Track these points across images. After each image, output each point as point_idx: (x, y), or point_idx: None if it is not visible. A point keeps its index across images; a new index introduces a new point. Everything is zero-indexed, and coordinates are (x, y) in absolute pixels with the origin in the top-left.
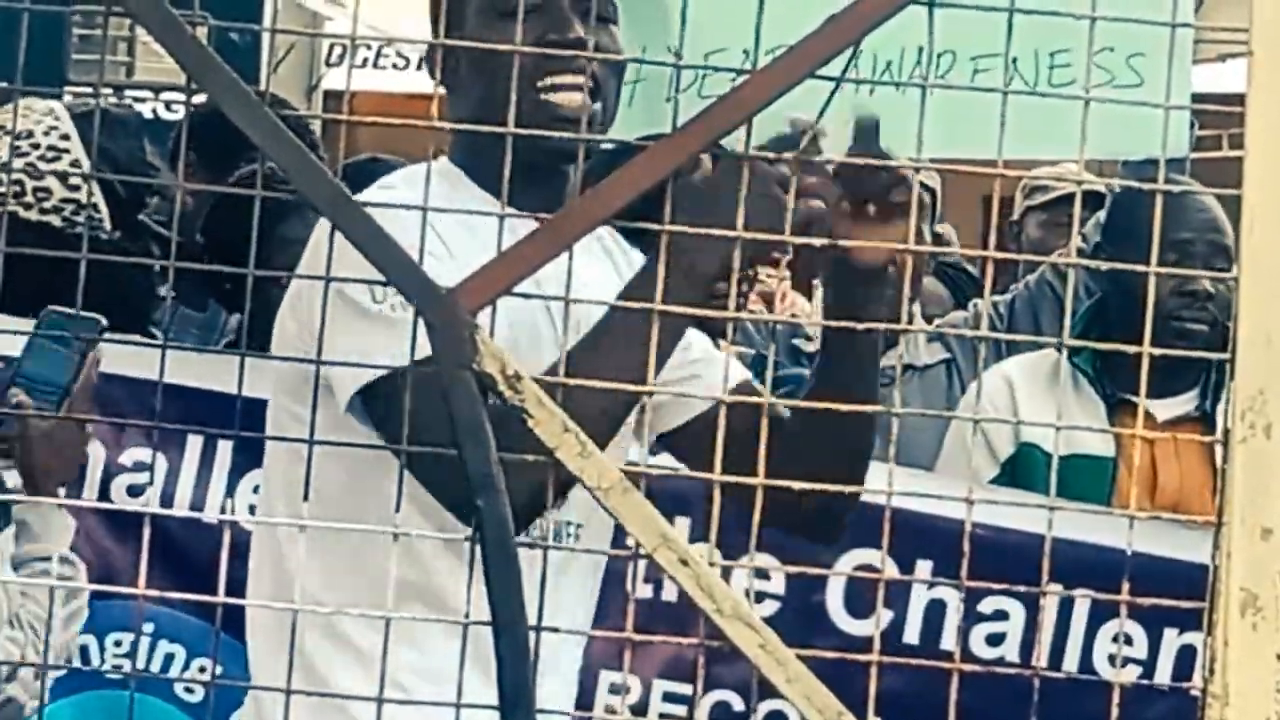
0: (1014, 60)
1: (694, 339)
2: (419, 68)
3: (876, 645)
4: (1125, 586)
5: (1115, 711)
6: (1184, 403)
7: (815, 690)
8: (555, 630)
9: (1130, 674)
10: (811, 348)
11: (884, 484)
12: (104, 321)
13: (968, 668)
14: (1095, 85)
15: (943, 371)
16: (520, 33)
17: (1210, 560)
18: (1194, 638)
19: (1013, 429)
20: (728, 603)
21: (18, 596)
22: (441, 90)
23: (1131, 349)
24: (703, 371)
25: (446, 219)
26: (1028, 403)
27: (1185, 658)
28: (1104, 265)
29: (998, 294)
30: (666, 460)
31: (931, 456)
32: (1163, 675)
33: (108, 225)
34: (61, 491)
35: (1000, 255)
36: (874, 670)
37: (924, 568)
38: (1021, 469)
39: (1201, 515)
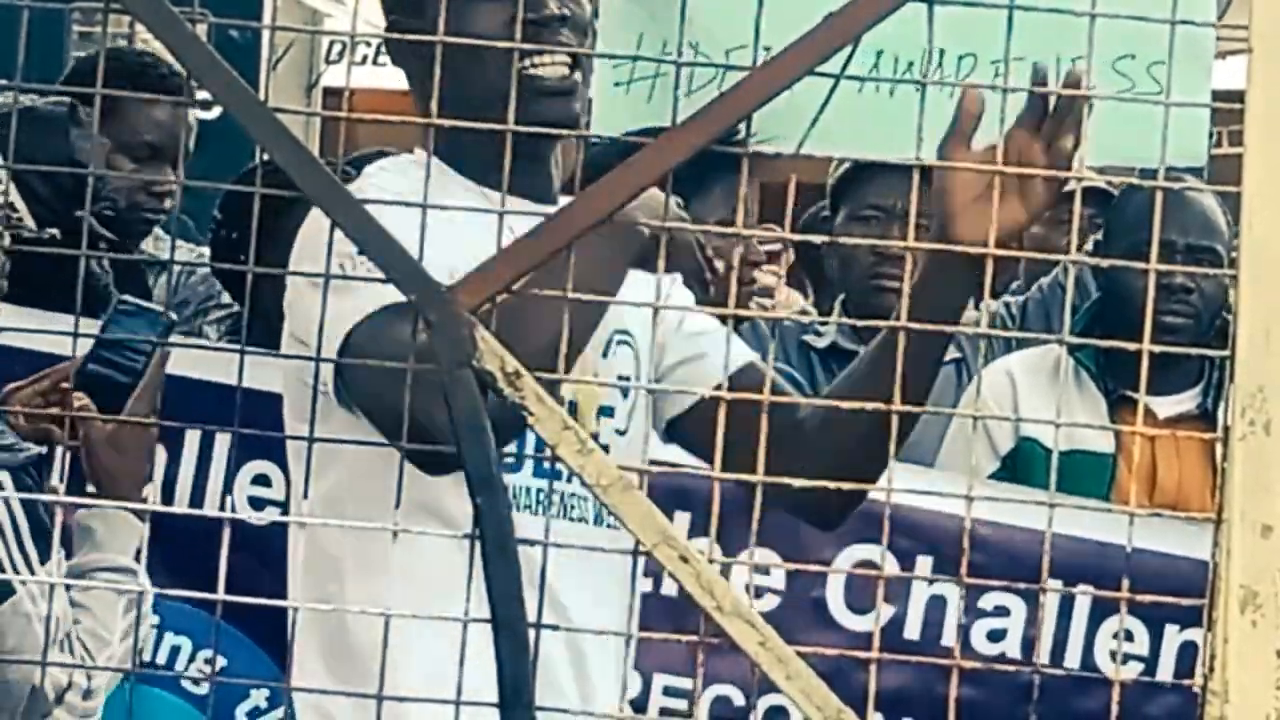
0: (1035, 65)
1: (699, 317)
2: None
3: (876, 642)
4: (1125, 584)
5: (1115, 709)
6: (1186, 400)
7: (814, 687)
8: (555, 628)
9: (1131, 671)
10: (822, 343)
11: (884, 481)
12: (174, 316)
13: (968, 664)
14: (1116, 92)
15: (952, 371)
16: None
17: (1210, 557)
18: (1196, 634)
19: (1014, 424)
20: (727, 599)
21: (70, 613)
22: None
23: (1131, 346)
24: (708, 349)
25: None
26: (1029, 398)
27: (1187, 654)
28: (1103, 263)
29: (999, 291)
30: (673, 452)
31: (936, 454)
32: (1165, 672)
33: (31, 223)
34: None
35: (1002, 253)
36: (874, 668)
37: (925, 564)
38: (1022, 464)
39: (1202, 513)
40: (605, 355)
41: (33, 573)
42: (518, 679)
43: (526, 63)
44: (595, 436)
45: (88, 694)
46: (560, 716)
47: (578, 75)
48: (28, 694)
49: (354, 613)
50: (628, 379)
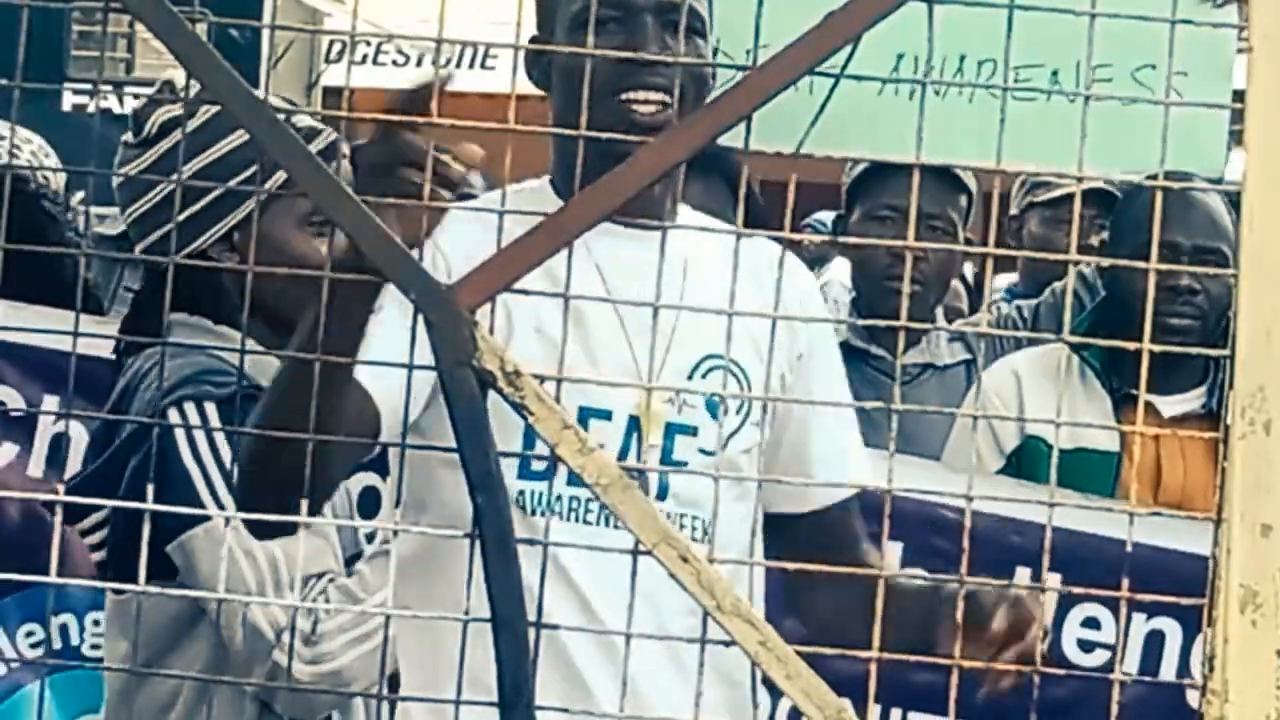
0: (1055, 71)
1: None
2: (418, 64)
3: (876, 642)
4: (1125, 583)
5: (1115, 708)
6: (1191, 400)
7: (815, 687)
8: (555, 628)
9: (1098, 659)
10: (860, 344)
11: (883, 475)
12: None
13: (968, 664)
14: (1136, 102)
15: (962, 372)
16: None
17: (1210, 556)
18: (1161, 623)
19: (1019, 422)
20: (728, 600)
21: (296, 560)
22: (449, 86)
23: (1132, 345)
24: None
25: (465, 240)
26: (1034, 396)
27: (1152, 643)
28: (1105, 263)
29: (997, 292)
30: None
31: (942, 451)
32: (1131, 660)
33: None
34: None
35: (1002, 252)
36: (873, 667)
37: (894, 549)
38: (1027, 461)
39: (1204, 512)
40: (690, 378)
41: (225, 506)
42: (518, 679)
43: (625, 96)
44: (668, 452)
45: (311, 640)
46: (560, 716)
47: (670, 113)
48: (242, 626)
49: (355, 611)
50: (720, 403)
